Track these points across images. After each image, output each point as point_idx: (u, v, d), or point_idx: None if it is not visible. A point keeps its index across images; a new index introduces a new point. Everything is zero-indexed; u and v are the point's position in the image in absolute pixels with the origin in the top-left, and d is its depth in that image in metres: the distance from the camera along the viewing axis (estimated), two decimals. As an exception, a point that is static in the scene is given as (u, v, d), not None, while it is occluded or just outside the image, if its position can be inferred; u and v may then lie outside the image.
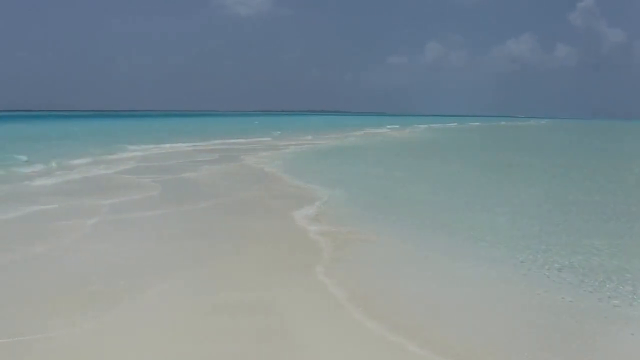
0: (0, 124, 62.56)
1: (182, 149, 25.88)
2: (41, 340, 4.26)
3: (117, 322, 4.69)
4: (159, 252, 7.04)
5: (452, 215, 9.64)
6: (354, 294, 5.48)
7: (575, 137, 49.29)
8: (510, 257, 6.80)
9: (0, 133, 42.26)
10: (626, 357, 4.31)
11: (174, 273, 6.11)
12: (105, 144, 26.91)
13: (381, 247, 7.49)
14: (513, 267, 6.45)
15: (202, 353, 4.16)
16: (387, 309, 5.13)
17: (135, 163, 18.88)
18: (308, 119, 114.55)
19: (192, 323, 4.69)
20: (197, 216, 9.55)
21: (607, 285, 5.77)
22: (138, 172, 15.94)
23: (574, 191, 12.84)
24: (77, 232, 8.00)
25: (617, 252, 7.09)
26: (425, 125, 77.33)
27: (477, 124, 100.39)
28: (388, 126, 68.76)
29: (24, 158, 18.44)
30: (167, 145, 27.20)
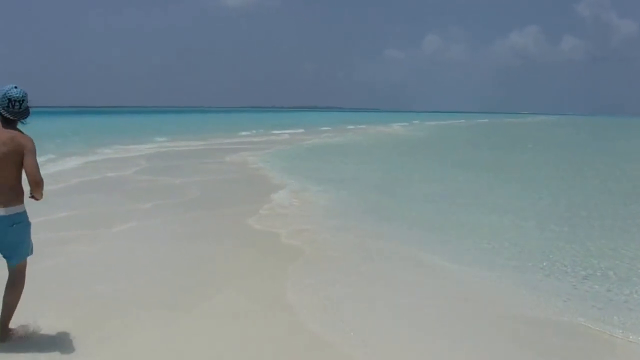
0: None
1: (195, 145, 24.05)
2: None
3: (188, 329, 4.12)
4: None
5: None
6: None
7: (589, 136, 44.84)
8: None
9: None
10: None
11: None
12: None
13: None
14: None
15: None
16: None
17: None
18: (303, 115, 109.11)
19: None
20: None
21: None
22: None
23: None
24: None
25: None
26: (434, 122, 75.70)
27: (486, 120, 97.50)
28: (397, 124, 64.78)
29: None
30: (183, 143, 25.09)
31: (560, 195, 11.03)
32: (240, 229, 7.47)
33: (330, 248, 6.56)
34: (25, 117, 3.62)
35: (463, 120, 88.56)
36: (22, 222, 3.61)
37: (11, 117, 3.52)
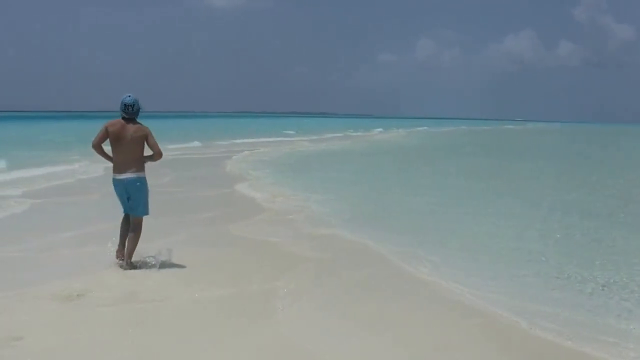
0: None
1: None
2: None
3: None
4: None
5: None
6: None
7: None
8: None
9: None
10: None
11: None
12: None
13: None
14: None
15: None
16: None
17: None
18: (301, 120, 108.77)
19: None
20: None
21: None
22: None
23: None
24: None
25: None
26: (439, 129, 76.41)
27: (487, 127, 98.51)
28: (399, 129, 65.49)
29: None
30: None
31: (559, 204, 10.93)
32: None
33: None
34: (137, 116, 5.59)
35: (487, 127, 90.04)
36: (143, 184, 5.64)
37: (127, 117, 5.52)
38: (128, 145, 5.53)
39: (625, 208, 10.47)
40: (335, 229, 7.99)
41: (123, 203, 5.75)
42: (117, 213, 5.99)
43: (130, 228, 5.70)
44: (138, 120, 5.67)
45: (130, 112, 5.53)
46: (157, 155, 5.63)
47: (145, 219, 5.82)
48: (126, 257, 5.63)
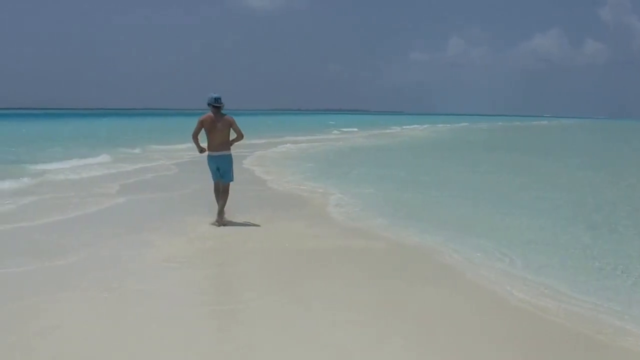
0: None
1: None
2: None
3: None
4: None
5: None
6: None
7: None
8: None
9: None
10: None
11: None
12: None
13: None
14: None
15: None
16: None
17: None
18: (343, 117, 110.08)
19: None
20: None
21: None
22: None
23: None
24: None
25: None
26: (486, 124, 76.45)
27: (518, 123, 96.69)
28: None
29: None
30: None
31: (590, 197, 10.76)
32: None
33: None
34: (223, 107, 7.55)
35: (518, 123, 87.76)
36: (230, 159, 7.78)
37: (217, 106, 7.49)
38: (219, 131, 7.57)
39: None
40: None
41: (214, 173, 7.82)
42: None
43: (221, 190, 7.78)
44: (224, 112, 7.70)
45: (220, 102, 7.50)
46: (239, 137, 7.74)
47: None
48: (218, 213, 7.65)
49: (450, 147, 28.88)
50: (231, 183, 7.96)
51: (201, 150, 7.87)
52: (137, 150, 20.86)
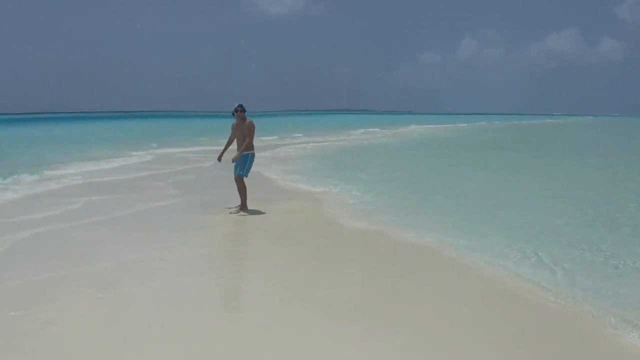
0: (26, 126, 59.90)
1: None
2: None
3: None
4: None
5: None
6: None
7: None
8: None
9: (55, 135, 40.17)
10: None
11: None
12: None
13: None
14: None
15: None
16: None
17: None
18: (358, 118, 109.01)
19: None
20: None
21: None
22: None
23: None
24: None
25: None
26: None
27: (535, 121, 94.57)
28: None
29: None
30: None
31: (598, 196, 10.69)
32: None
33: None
34: (244, 113, 8.54)
35: (497, 122, 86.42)
36: (247, 157, 8.59)
37: (244, 111, 8.51)
38: (241, 134, 8.60)
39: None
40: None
41: (235, 169, 8.70)
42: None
43: (241, 184, 8.67)
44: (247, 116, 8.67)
45: (243, 109, 8.51)
46: (248, 142, 8.57)
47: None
48: (241, 205, 8.75)
49: (462, 147, 28.82)
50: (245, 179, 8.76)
51: (220, 157, 9.03)
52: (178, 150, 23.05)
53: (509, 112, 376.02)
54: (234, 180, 8.80)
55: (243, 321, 4.38)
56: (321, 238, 7.24)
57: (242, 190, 8.70)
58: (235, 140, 8.80)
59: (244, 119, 8.64)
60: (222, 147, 9.03)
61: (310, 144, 26.65)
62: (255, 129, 8.73)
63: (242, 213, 8.64)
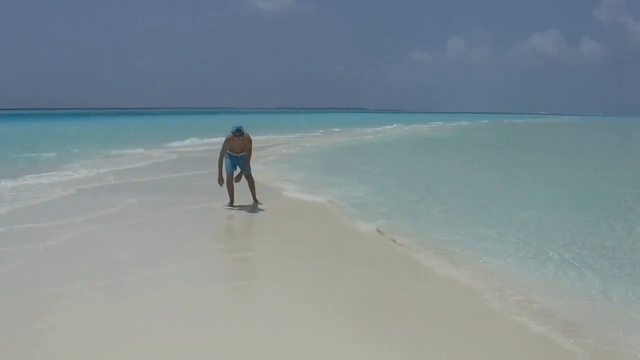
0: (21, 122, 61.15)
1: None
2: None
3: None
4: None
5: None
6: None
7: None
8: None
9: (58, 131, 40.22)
10: None
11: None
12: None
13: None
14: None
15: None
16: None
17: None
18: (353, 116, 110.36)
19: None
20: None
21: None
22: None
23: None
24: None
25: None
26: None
27: (520, 120, 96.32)
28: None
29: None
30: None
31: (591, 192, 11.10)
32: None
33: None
34: (243, 132, 9.04)
35: (486, 121, 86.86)
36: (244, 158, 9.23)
37: (242, 130, 8.96)
38: (241, 142, 9.09)
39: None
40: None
41: (228, 168, 9.20)
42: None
43: (249, 183, 9.48)
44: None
45: (241, 131, 8.95)
46: (249, 160, 9.33)
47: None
48: (253, 196, 9.53)
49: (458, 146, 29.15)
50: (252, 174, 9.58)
51: (221, 180, 9.28)
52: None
53: (496, 111, 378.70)
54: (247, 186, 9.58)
55: (251, 321, 4.42)
56: (326, 239, 7.38)
57: (253, 185, 9.59)
58: (231, 147, 9.26)
59: (243, 134, 9.20)
60: (217, 170, 9.30)
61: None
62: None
63: (259, 204, 9.44)
